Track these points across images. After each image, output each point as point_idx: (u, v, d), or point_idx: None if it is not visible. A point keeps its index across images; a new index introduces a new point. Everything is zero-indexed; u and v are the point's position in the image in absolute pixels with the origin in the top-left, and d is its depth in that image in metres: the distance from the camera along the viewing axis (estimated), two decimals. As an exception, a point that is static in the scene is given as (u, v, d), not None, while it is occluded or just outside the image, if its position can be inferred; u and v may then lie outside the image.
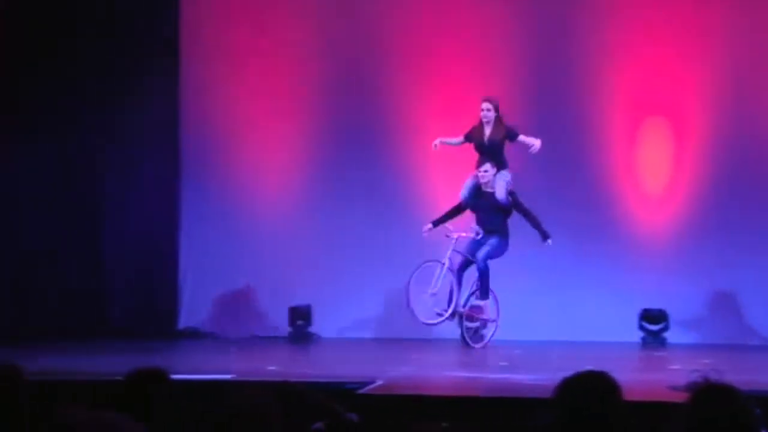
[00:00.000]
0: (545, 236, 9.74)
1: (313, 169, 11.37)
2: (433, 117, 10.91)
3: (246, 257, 11.32)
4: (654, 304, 10.80)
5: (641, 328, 10.83)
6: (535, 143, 9.75)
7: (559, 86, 11.10)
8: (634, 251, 10.99)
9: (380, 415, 5.67)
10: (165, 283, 11.45)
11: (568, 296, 10.78)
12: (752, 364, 8.71)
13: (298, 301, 11.17)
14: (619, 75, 11.07)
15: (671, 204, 11.11)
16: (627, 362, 9.32)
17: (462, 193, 9.81)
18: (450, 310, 9.63)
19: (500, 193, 9.66)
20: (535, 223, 9.76)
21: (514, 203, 9.74)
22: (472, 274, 9.80)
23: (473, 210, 9.83)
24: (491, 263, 9.72)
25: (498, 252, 9.71)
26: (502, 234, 9.72)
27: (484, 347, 9.84)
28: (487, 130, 9.72)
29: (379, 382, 6.86)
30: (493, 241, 9.68)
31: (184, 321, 11.45)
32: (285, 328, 11.15)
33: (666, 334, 10.78)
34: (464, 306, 9.77)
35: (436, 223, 9.84)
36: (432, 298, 9.57)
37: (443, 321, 9.68)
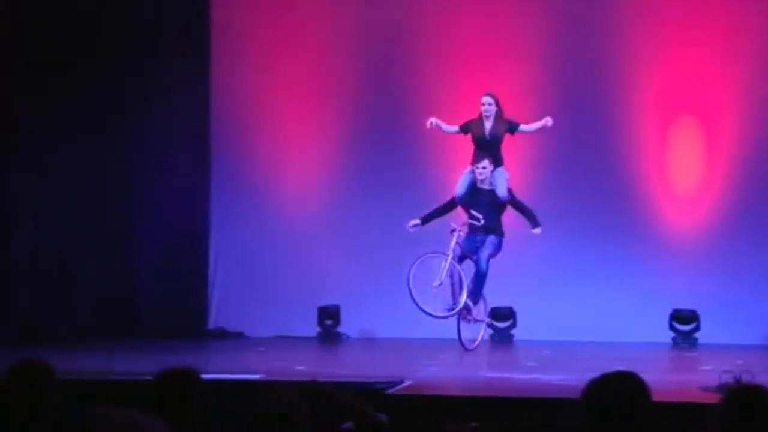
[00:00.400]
0: (534, 225, 9.38)
1: (343, 168, 11.38)
2: (464, 117, 10.88)
3: (275, 258, 11.34)
4: (685, 305, 10.74)
5: (672, 328, 10.77)
6: (546, 122, 9.33)
7: (589, 87, 11.06)
8: (665, 251, 10.93)
9: (409, 416, 5.67)
10: (195, 283, 11.49)
11: (598, 296, 10.73)
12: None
13: (327, 301, 11.18)
14: (649, 75, 11.02)
15: (702, 204, 11.04)
16: (658, 363, 9.28)
17: (458, 189, 9.39)
18: (462, 302, 9.14)
19: (501, 191, 9.29)
20: (529, 215, 9.41)
21: (512, 200, 9.38)
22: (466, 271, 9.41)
23: (468, 207, 9.34)
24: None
25: (497, 251, 9.32)
26: (499, 232, 9.33)
27: (476, 348, 9.45)
28: (488, 125, 9.39)
29: (408, 383, 6.85)
30: (493, 240, 9.28)
31: (214, 321, 11.50)
32: (314, 328, 11.16)
33: (697, 335, 10.72)
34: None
35: (426, 219, 9.43)
36: (437, 291, 9.05)
37: (455, 314, 9.21)
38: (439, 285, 9.08)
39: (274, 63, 11.48)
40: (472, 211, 9.26)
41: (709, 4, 11.03)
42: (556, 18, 11.19)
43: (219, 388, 6.06)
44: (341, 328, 11.21)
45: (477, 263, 9.27)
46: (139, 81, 11.29)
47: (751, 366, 6.69)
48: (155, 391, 3.50)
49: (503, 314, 11.04)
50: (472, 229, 9.30)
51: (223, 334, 11.29)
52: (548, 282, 10.77)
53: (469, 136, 9.47)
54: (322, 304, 11.18)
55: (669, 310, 10.75)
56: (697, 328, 10.73)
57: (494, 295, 10.83)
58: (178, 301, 11.37)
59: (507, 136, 9.43)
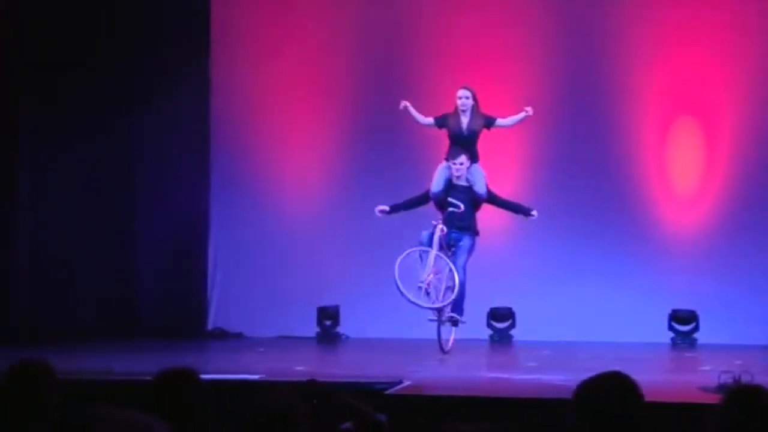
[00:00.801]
0: (528, 212, 9.21)
1: (343, 168, 11.39)
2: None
3: (275, 258, 11.34)
4: (684, 305, 10.75)
5: (671, 328, 10.78)
6: (526, 112, 9.08)
7: (589, 87, 11.07)
8: (664, 252, 10.93)
9: (408, 416, 5.67)
10: (194, 284, 11.50)
11: (597, 297, 10.73)
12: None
13: (327, 301, 11.19)
14: (649, 75, 11.02)
15: (701, 204, 11.04)
16: (657, 363, 9.28)
17: (433, 186, 9.12)
18: (451, 298, 8.82)
19: (480, 187, 9.05)
20: (516, 208, 9.29)
21: (491, 197, 9.17)
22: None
23: (442, 203, 9.07)
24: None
25: (472, 253, 9.05)
26: (474, 230, 9.07)
27: (451, 349, 9.17)
28: (465, 119, 9.12)
29: (407, 383, 6.85)
30: (467, 243, 9.01)
31: (213, 322, 11.50)
32: (313, 329, 11.16)
33: (696, 335, 10.72)
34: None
35: (395, 209, 9.24)
36: (425, 285, 8.76)
37: (444, 306, 8.89)
38: (428, 278, 8.78)
39: (274, 63, 11.48)
40: (451, 199, 9.00)
41: (709, 4, 11.03)
42: (556, 18, 11.19)
43: (218, 389, 6.06)
44: (340, 329, 11.21)
45: (456, 273, 8.88)
46: (139, 81, 11.30)
47: (750, 366, 6.69)
48: (154, 392, 3.50)
49: (502, 315, 11.05)
50: (449, 224, 9.01)
51: (222, 335, 11.29)
52: (547, 282, 10.77)
53: (444, 130, 9.23)
54: (322, 304, 11.18)
55: (668, 311, 10.75)
56: (696, 329, 10.73)
57: (493, 296, 10.88)
58: (178, 302, 11.37)
59: (485, 132, 9.22)
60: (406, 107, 9.31)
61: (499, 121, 9.21)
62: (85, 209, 11.16)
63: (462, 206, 8.98)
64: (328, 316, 11.21)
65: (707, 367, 8.00)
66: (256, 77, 11.49)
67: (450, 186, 9.11)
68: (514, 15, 11.25)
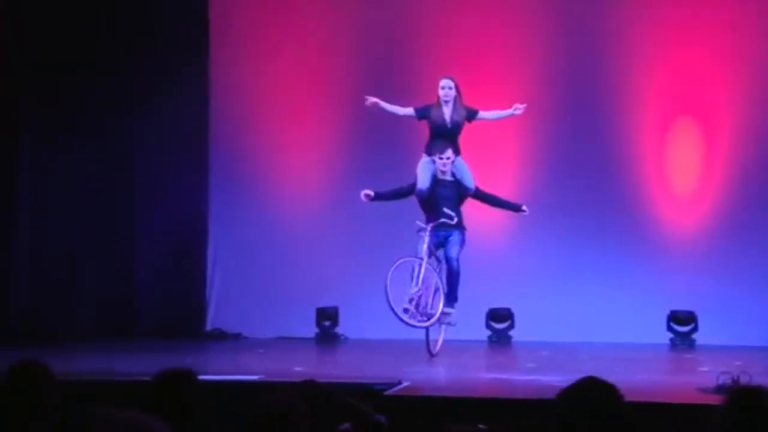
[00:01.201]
0: (518, 208, 9.05)
1: (343, 168, 11.38)
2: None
3: (274, 259, 11.34)
4: (683, 305, 10.75)
5: (670, 329, 10.78)
6: (515, 109, 8.86)
7: (589, 87, 11.07)
8: (663, 252, 10.93)
9: (408, 417, 5.67)
10: (193, 285, 11.49)
11: (596, 297, 10.73)
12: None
13: (325, 302, 11.18)
14: (649, 75, 11.02)
15: (701, 204, 11.04)
16: (656, 364, 9.29)
17: (421, 182, 8.79)
18: (438, 312, 8.64)
19: (469, 182, 8.79)
20: (505, 204, 9.12)
21: (478, 192, 8.89)
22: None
23: (428, 200, 8.81)
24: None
25: (463, 245, 8.76)
26: (462, 226, 8.79)
27: (438, 351, 9.01)
28: (447, 111, 8.81)
29: (407, 384, 6.85)
30: (457, 237, 8.72)
31: (212, 322, 11.49)
32: (312, 329, 11.16)
33: (695, 336, 10.72)
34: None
35: (379, 196, 9.00)
36: (416, 297, 8.55)
37: (432, 324, 8.72)
38: (417, 291, 8.53)
39: (274, 63, 11.48)
40: (445, 210, 8.68)
41: (709, 4, 11.03)
42: (556, 18, 11.19)
43: (217, 389, 6.07)
44: (339, 329, 11.21)
45: (448, 263, 8.74)
46: (139, 81, 11.30)
47: (749, 367, 6.70)
48: (153, 392, 3.51)
49: (501, 315, 11.04)
50: (437, 226, 8.74)
51: (221, 335, 11.29)
52: (546, 283, 10.77)
53: (425, 122, 8.94)
54: (321, 305, 11.18)
55: (667, 311, 10.75)
56: (694, 329, 10.73)
57: (492, 297, 10.88)
58: (178, 302, 11.37)
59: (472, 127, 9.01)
60: (375, 103, 8.98)
61: (482, 114, 8.93)
62: (85, 209, 11.16)
63: (455, 218, 8.69)
64: (327, 316, 11.20)
65: (706, 368, 8.01)
66: (256, 77, 11.48)
67: (435, 181, 8.80)
68: (513, 15, 11.25)
